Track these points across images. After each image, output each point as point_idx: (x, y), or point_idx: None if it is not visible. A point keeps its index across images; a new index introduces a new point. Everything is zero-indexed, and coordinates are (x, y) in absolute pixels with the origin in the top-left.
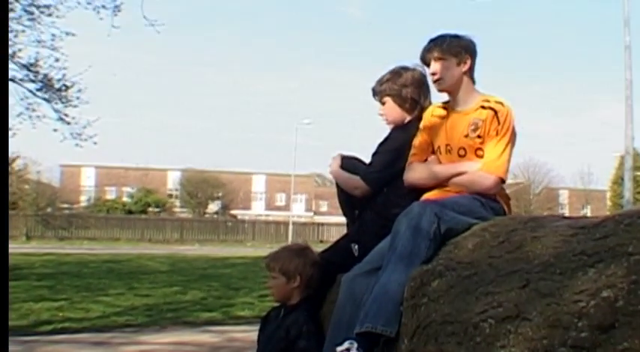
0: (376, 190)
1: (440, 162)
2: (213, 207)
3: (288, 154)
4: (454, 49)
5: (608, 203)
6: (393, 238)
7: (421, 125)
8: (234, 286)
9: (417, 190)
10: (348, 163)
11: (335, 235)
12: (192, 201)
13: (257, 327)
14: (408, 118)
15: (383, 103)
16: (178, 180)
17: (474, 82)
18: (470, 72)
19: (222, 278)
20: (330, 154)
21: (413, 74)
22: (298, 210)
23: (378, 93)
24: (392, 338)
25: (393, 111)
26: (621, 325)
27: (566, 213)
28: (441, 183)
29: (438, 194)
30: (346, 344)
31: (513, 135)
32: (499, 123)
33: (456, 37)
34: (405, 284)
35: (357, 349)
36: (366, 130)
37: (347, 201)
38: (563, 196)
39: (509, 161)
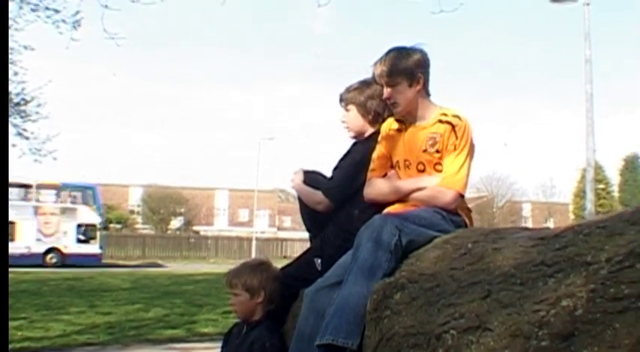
0: (338, 205)
1: (399, 177)
2: (175, 223)
3: (251, 170)
4: (403, 71)
5: (571, 215)
6: (355, 251)
7: (379, 138)
8: (198, 303)
9: (379, 204)
10: (311, 178)
11: (298, 251)
12: (154, 217)
13: (220, 344)
14: (370, 131)
15: (347, 111)
16: (140, 196)
17: (429, 94)
18: (424, 87)
19: (185, 295)
20: (294, 170)
21: (382, 88)
22: (261, 226)
23: (344, 100)
24: (354, 351)
25: (356, 120)
26: (581, 333)
27: (530, 225)
28: (401, 198)
29: (399, 208)
30: None
31: (472, 148)
32: (457, 137)
33: (405, 52)
34: (366, 297)
35: None
36: (328, 144)
37: (310, 215)
38: (527, 209)
39: (468, 175)
